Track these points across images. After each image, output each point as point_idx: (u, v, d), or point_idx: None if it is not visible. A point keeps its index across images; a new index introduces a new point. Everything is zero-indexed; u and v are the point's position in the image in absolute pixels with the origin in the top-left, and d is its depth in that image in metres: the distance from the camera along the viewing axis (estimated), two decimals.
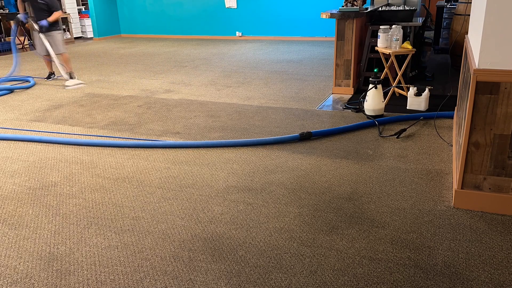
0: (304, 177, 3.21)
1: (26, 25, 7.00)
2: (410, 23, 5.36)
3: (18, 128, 4.58)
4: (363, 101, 4.60)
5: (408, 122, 4.29)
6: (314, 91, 5.75)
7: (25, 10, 6.62)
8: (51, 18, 6.41)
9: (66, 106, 5.43)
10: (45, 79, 6.96)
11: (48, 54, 6.60)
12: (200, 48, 10.13)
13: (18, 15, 6.60)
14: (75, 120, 4.82)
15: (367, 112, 4.50)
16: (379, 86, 4.42)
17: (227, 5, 11.60)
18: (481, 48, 2.41)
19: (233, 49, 9.80)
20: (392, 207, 2.76)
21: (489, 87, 2.45)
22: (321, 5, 10.55)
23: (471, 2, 4.49)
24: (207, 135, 4.19)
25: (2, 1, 11.47)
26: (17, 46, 11.07)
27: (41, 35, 6.44)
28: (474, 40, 2.82)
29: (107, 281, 2.15)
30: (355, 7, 5.39)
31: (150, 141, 3.99)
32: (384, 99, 4.98)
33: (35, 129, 4.51)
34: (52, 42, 6.55)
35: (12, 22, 7.18)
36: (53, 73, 7.03)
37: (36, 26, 6.40)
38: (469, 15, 5.02)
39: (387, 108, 4.74)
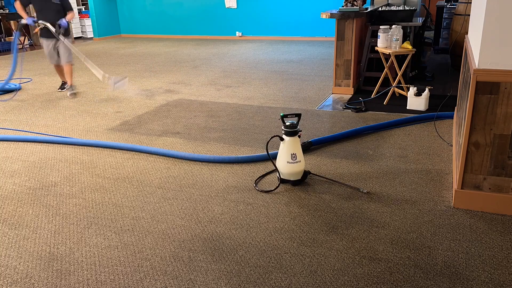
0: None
1: (36, 30, 5.84)
2: (410, 23, 5.37)
3: (18, 129, 4.58)
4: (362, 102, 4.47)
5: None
6: (314, 91, 5.75)
7: (27, 13, 5.76)
8: (69, 18, 5.71)
9: (66, 106, 5.43)
10: (58, 90, 6.26)
11: (59, 63, 5.92)
12: (200, 48, 10.14)
13: (23, 21, 5.68)
14: (75, 120, 4.83)
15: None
16: (290, 139, 2.99)
17: (227, 5, 11.60)
18: (481, 48, 2.41)
19: (233, 49, 9.80)
20: (392, 207, 2.76)
21: (489, 87, 2.45)
22: (321, 5, 10.55)
23: (471, 2, 4.49)
24: (207, 135, 4.19)
25: (2, 1, 11.47)
26: (17, 46, 11.11)
27: (63, 40, 5.62)
28: (474, 40, 2.82)
29: (107, 281, 2.15)
30: (355, 7, 5.39)
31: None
32: (384, 99, 4.99)
33: (34, 130, 4.52)
34: (66, 49, 5.75)
35: (12, 23, 6.18)
36: (66, 83, 6.14)
37: (53, 28, 5.53)
38: (469, 15, 5.02)
39: (387, 108, 4.74)
